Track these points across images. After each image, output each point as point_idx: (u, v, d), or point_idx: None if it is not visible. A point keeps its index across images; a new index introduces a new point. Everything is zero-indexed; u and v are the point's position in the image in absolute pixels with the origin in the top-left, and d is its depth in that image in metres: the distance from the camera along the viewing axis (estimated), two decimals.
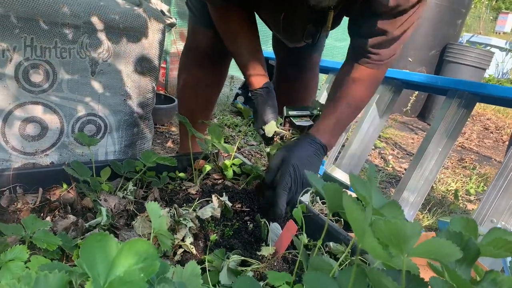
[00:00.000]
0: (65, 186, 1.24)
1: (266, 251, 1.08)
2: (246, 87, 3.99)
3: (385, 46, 1.28)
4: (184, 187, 1.37)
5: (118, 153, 1.53)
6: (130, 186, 1.28)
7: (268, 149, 1.38)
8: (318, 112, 1.44)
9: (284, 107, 1.43)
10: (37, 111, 1.34)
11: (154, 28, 1.47)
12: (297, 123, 1.38)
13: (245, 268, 0.97)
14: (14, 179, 1.22)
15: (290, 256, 1.11)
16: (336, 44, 4.86)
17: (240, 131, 3.30)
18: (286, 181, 1.16)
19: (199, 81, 1.77)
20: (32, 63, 1.29)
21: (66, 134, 1.41)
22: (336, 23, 1.46)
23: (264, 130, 1.37)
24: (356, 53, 1.34)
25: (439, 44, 5.01)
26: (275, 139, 1.37)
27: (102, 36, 1.37)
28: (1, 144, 1.31)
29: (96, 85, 1.41)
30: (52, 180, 1.26)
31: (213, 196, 1.16)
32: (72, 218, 1.10)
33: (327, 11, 1.28)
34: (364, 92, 1.38)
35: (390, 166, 3.23)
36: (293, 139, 1.35)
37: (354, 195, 1.65)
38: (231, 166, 1.52)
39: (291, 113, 1.41)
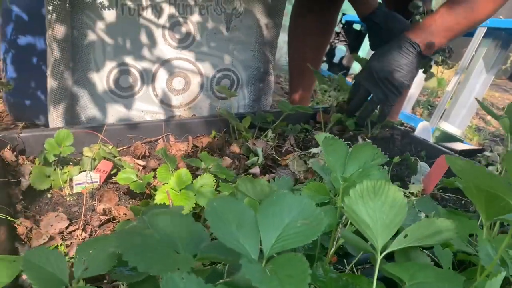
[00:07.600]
0: (213, 133, 1.34)
1: (414, 188, 1.11)
2: (328, 54, 3.97)
3: None
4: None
5: (247, 107, 1.61)
6: (270, 133, 1.36)
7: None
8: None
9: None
10: (181, 66, 1.44)
11: None
12: None
13: None
14: (166, 129, 1.34)
15: (439, 193, 1.14)
16: None
17: (329, 96, 3.31)
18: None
19: (308, 28, 1.79)
20: (175, 21, 1.39)
21: (206, 88, 1.51)
22: None
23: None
24: None
25: None
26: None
27: None
28: (152, 98, 1.44)
29: (231, 41, 1.49)
30: (197, 130, 1.37)
31: (359, 137, 1.20)
32: (228, 159, 1.20)
33: None
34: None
35: (491, 125, 3.10)
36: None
37: (467, 147, 1.62)
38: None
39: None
